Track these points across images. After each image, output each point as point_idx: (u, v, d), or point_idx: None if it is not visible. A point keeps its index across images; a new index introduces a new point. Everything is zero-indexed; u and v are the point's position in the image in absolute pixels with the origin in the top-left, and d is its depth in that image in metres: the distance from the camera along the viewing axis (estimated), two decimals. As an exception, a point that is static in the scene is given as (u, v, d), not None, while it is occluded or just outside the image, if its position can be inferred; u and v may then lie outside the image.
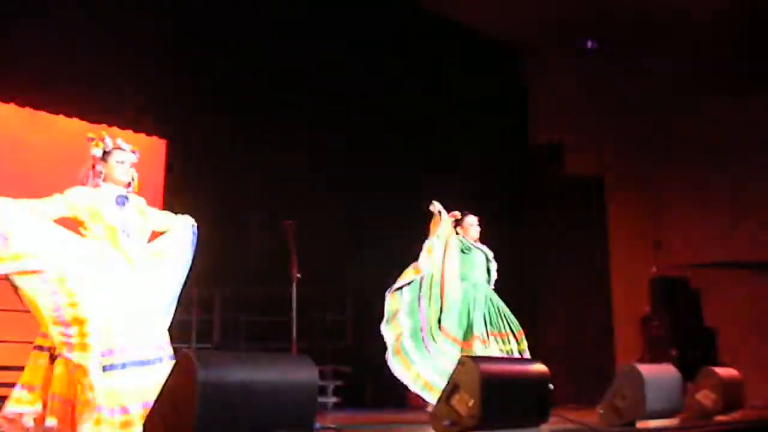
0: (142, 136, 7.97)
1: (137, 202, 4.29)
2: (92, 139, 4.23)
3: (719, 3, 9.40)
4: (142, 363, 3.85)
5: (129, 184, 4.24)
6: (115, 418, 3.68)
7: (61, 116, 7.64)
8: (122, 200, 4.15)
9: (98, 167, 4.19)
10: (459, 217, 6.01)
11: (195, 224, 4.49)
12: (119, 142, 4.28)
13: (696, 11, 9.57)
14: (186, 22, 7.99)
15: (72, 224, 4.10)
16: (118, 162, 4.21)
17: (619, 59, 10.37)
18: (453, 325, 5.62)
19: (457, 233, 5.97)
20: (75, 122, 7.67)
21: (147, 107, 7.74)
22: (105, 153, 4.20)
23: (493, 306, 5.75)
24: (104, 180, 4.18)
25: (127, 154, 4.26)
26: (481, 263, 5.92)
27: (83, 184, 4.17)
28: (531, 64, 11.41)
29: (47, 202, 3.99)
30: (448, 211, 6.08)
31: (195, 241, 4.44)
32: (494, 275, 5.97)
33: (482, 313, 5.67)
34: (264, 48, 8.64)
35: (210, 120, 8.20)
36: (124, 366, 3.80)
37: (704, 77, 10.48)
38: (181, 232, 4.40)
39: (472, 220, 6.05)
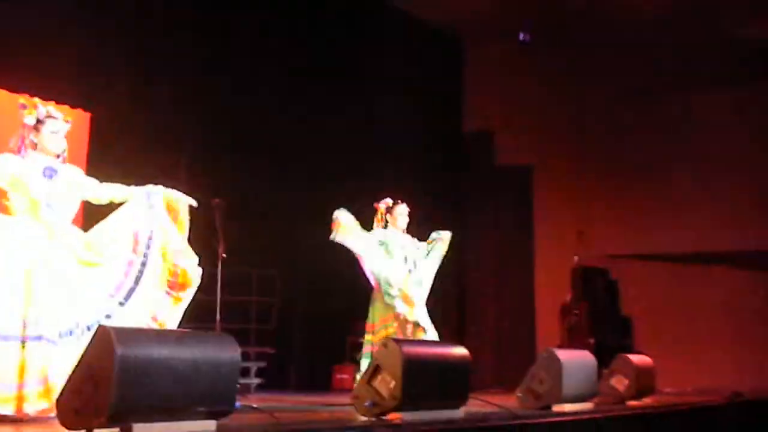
0: (66, 107, 7.73)
1: (69, 173, 4.15)
2: (25, 107, 4.09)
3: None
4: (47, 340, 3.76)
5: (60, 155, 4.12)
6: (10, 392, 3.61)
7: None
8: (51, 173, 4.03)
9: (30, 136, 4.05)
10: (390, 204, 6.06)
11: (156, 192, 4.32)
12: (52, 110, 4.15)
13: (629, 7, 9.84)
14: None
15: None
16: (52, 132, 4.08)
17: (552, 51, 10.56)
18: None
19: (386, 221, 6.04)
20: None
21: (71, 78, 7.49)
22: (38, 122, 4.07)
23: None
24: (36, 149, 4.06)
25: (61, 124, 4.13)
26: (400, 255, 5.95)
27: (15, 153, 4.04)
28: (467, 52, 11.52)
29: None
30: (382, 197, 6.12)
31: (158, 207, 4.28)
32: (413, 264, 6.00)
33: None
34: (197, 21, 8.46)
35: (137, 94, 8.01)
36: (39, 338, 3.71)
37: (631, 73, 10.76)
38: (138, 202, 4.25)
39: (402, 210, 6.09)
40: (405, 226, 6.10)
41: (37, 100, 4.23)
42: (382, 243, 5.91)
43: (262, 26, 8.95)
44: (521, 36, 10.36)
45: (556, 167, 11.10)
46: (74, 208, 4.16)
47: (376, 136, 9.83)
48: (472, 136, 11.43)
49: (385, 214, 6.09)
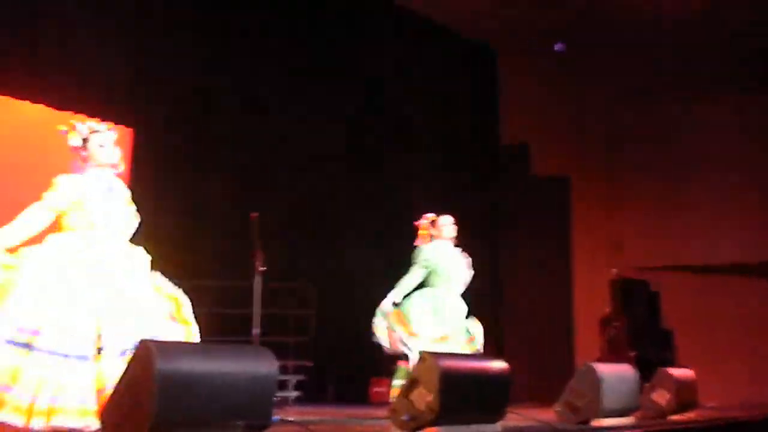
0: (109, 124, 7.88)
1: (124, 191, 4.18)
2: (66, 131, 4.09)
3: (687, 8, 9.56)
4: (78, 357, 3.66)
5: (115, 165, 4.15)
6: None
7: (26, 102, 7.53)
8: (110, 190, 4.07)
9: (82, 155, 4.06)
10: (434, 218, 5.98)
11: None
12: (93, 124, 4.17)
13: (663, 16, 9.73)
14: (158, 7, 7.93)
15: None
16: (99, 145, 4.07)
17: (587, 61, 10.51)
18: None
19: (432, 235, 5.91)
20: (40, 108, 7.58)
21: (114, 95, 7.66)
22: (84, 140, 4.07)
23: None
24: (92, 166, 4.06)
25: (106, 135, 4.15)
26: (447, 270, 5.85)
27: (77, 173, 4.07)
28: (502, 64, 11.49)
29: (29, 218, 3.82)
30: (418, 212, 6.04)
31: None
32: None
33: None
34: (240, 39, 8.60)
35: (177, 109, 8.15)
36: (65, 356, 3.67)
37: (668, 80, 10.65)
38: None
39: (445, 220, 5.98)
40: (453, 234, 5.94)
41: (73, 120, 4.24)
42: (427, 267, 5.79)
43: (298, 43, 9.03)
44: (557, 46, 10.31)
45: (593, 178, 11.02)
46: (132, 224, 4.17)
47: (411, 149, 9.84)
48: (508, 148, 11.38)
49: (429, 229, 5.97)
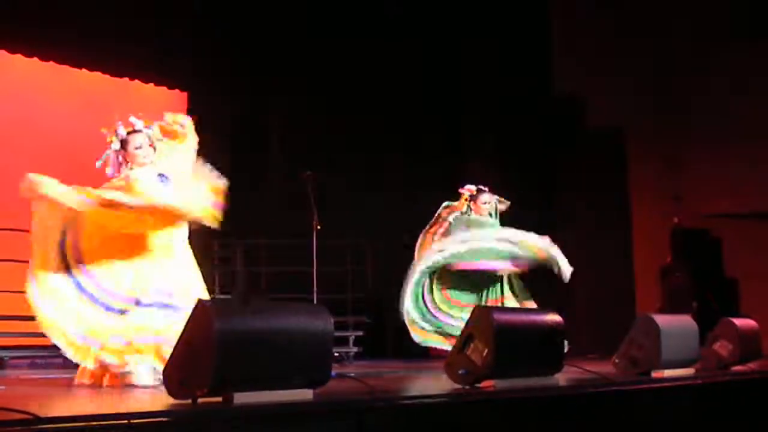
0: (164, 89, 8.02)
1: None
2: (107, 134, 4.34)
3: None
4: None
5: (153, 162, 4.36)
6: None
7: (83, 70, 7.70)
8: (163, 178, 4.28)
9: (120, 159, 4.32)
10: (474, 192, 6.03)
11: None
12: (132, 121, 4.34)
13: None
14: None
15: None
16: (136, 149, 4.30)
17: (643, 9, 10.18)
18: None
19: (469, 208, 6.01)
20: (97, 76, 7.74)
21: (168, 60, 7.76)
22: (122, 143, 4.31)
23: None
24: (131, 167, 4.32)
25: (142, 136, 4.32)
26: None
27: (115, 177, 4.32)
28: (554, 15, 11.18)
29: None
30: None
31: None
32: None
33: None
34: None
35: (231, 72, 8.21)
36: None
37: (725, 25, 10.26)
38: None
39: (486, 198, 6.06)
40: (487, 215, 6.09)
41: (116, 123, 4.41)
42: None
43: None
44: None
45: (650, 126, 10.72)
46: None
47: (463, 102, 9.72)
48: (562, 99, 11.12)
49: (468, 201, 6.06)
